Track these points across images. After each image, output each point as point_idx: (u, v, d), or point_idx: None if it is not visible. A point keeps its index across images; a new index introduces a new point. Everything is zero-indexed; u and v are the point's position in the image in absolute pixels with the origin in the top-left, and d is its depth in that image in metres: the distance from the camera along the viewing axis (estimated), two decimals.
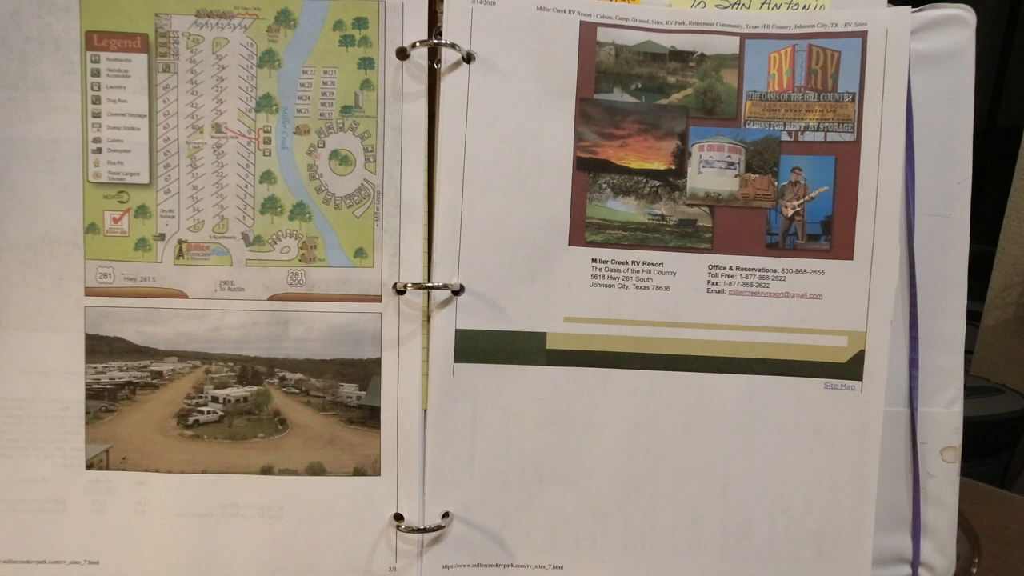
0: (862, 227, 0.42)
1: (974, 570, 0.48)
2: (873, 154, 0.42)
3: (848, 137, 0.42)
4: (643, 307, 0.42)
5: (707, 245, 0.42)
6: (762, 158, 0.42)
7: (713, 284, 0.42)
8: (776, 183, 0.42)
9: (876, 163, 0.42)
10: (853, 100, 0.42)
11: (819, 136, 0.42)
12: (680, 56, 0.42)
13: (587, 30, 0.41)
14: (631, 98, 0.42)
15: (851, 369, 0.42)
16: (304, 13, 0.41)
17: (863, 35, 0.42)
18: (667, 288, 0.42)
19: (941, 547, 0.45)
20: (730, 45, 0.42)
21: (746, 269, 0.42)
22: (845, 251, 0.42)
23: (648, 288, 0.42)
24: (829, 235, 0.42)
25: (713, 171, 0.42)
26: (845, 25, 0.42)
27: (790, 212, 0.42)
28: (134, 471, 0.42)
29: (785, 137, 0.42)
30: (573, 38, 0.41)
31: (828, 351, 0.42)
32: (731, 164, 0.42)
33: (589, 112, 0.42)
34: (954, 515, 0.45)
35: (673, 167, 0.42)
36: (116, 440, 0.42)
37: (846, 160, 0.42)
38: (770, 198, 0.42)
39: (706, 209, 0.42)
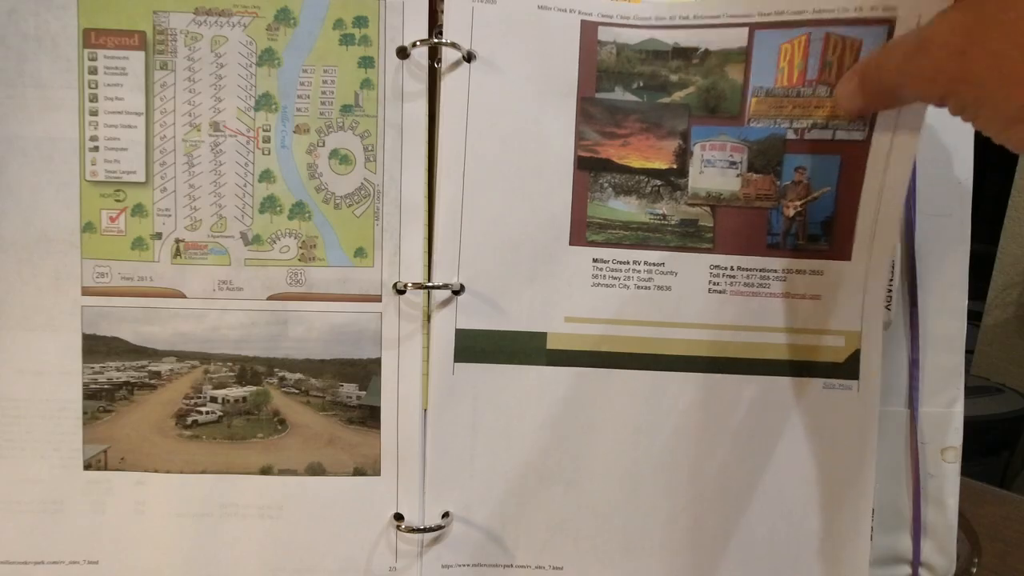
0: (862, 227, 0.41)
1: (974, 570, 0.48)
2: (883, 153, 0.39)
3: (858, 136, 0.40)
4: (644, 307, 0.42)
5: (708, 245, 0.42)
6: (765, 157, 0.41)
7: (714, 284, 0.42)
8: (778, 183, 0.42)
9: (885, 163, 0.40)
10: None
11: (827, 134, 0.40)
12: (683, 53, 0.41)
13: (588, 29, 0.41)
14: (633, 97, 0.42)
15: (848, 368, 0.42)
16: (304, 11, 0.41)
17: (891, 21, 0.37)
18: (668, 288, 0.42)
19: (941, 547, 0.45)
20: (737, 38, 0.40)
21: (747, 269, 0.42)
22: (843, 252, 0.41)
23: (649, 288, 0.42)
24: (829, 236, 0.42)
25: (715, 171, 0.42)
26: (871, 9, 0.37)
27: (791, 212, 0.42)
28: (133, 471, 0.42)
29: (790, 135, 0.41)
30: (574, 37, 0.41)
31: (826, 351, 0.42)
32: (733, 163, 0.42)
33: (590, 111, 0.42)
34: (954, 515, 0.45)
35: (675, 166, 0.42)
36: (114, 440, 0.42)
37: (852, 160, 0.40)
38: (772, 198, 0.42)
39: (707, 209, 0.42)
